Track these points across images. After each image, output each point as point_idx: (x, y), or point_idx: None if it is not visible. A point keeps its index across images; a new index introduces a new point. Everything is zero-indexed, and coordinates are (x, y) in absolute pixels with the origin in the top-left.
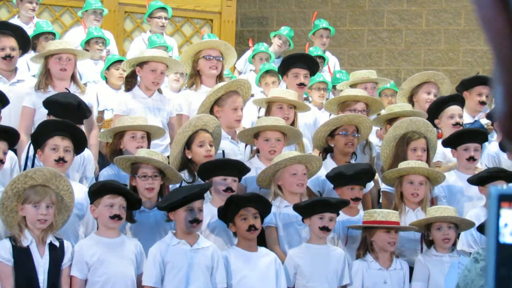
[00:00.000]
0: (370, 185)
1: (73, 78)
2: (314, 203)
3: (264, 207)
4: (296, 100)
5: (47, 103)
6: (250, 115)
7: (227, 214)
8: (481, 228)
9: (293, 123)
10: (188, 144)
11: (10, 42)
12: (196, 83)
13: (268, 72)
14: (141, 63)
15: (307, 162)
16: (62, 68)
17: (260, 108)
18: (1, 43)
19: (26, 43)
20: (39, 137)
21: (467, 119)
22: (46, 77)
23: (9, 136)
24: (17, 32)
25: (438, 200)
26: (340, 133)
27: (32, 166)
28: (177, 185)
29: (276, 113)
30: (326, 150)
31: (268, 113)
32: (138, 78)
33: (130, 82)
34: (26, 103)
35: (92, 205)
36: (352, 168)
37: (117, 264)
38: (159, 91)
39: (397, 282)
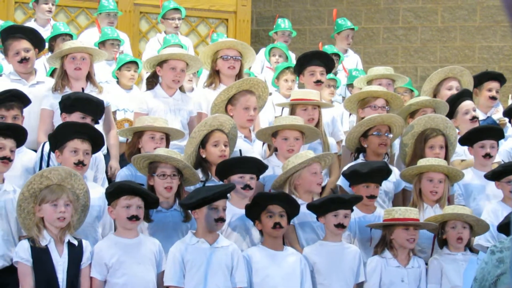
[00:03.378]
0: (401, 185)
1: (89, 77)
2: (327, 201)
3: (291, 207)
4: (319, 99)
5: (75, 100)
6: (267, 114)
7: (253, 211)
8: (502, 228)
9: (318, 123)
10: (203, 144)
11: (23, 44)
12: (215, 82)
13: (288, 68)
14: (161, 63)
15: (321, 160)
16: (76, 68)
17: (283, 108)
18: (14, 47)
19: (39, 42)
20: (58, 138)
21: (479, 115)
22: (62, 78)
23: (15, 133)
24: (28, 33)
25: (454, 198)
26: (374, 133)
27: (48, 166)
28: (192, 188)
29: (301, 114)
30: (359, 150)
31: (292, 114)
32: (160, 79)
33: (152, 82)
34: (44, 105)
35: (109, 206)
36: (367, 166)
37: (137, 266)
38: (182, 90)
39: (414, 280)
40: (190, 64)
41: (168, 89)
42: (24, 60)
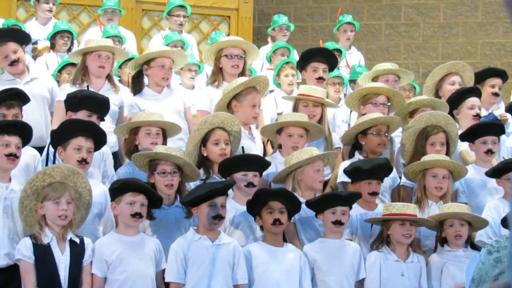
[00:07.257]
0: (397, 180)
1: (108, 77)
2: (325, 198)
3: (292, 203)
4: (324, 97)
5: (81, 98)
6: (270, 111)
7: (254, 207)
8: (504, 222)
9: (320, 120)
10: (204, 142)
11: (10, 46)
12: (219, 80)
13: (288, 63)
14: (148, 61)
15: (326, 158)
16: (100, 66)
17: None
18: (3, 52)
19: (24, 38)
20: (62, 135)
21: (482, 114)
22: (83, 73)
23: (20, 131)
24: (11, 34)
25: (457, 196)
26: (374, 133)
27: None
28: (192, 183)
29: (302, 110)
30: (355, 146)
31: (295, 109)
32: (145, 78)
33: (138, 82)
34: (61, 98)
35: (113, 202)
36: (369, 163)
37: (137, 262)
38: (167, 85)
39: (413, 275)
40: (176, 61)
41: (157, 87)
42: (14, 62)
